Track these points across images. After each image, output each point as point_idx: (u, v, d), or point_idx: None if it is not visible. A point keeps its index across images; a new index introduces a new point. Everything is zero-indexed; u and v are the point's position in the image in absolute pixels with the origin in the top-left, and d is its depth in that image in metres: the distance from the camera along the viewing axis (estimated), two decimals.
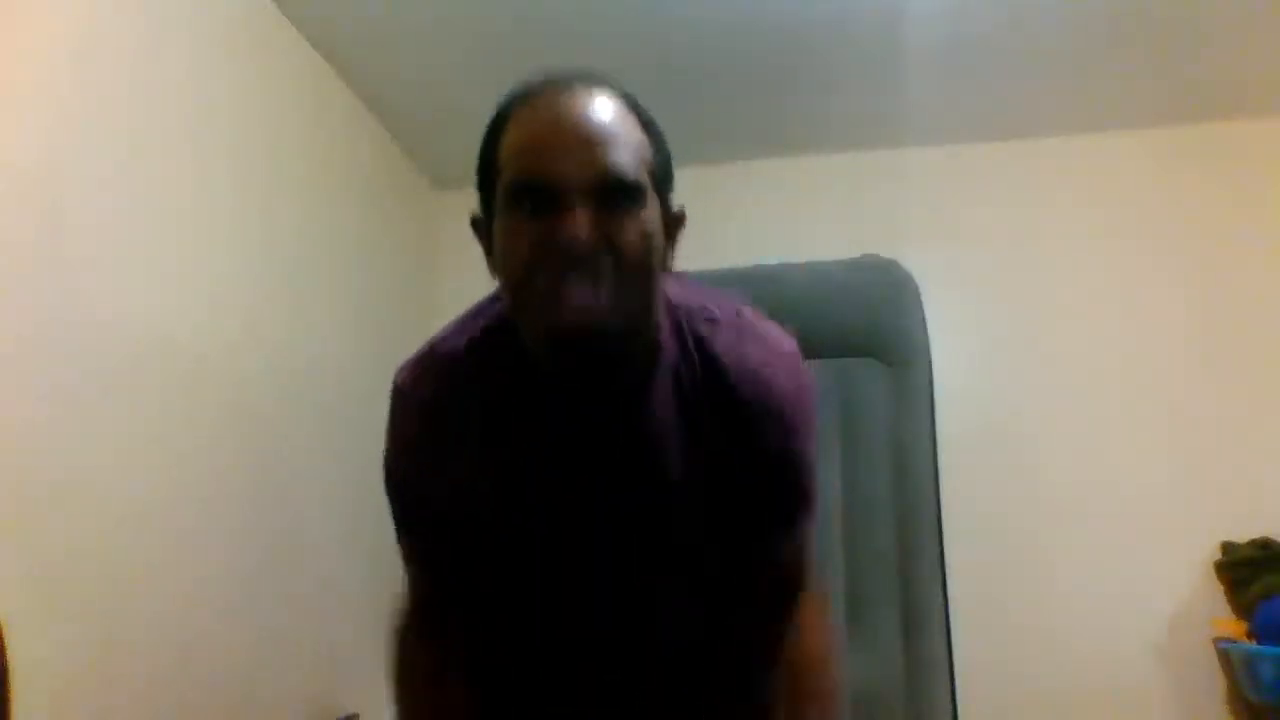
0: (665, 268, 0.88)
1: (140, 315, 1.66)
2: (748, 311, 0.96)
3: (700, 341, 0.91)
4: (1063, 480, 2.50)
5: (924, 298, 2.39)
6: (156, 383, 1.69)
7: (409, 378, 0.96)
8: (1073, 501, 2.48)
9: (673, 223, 0.91)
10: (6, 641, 1.12)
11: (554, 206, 0.80)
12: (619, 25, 2.24)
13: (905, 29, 2.23)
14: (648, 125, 0.88)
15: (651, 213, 0.84)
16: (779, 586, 0.98)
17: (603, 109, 0.84)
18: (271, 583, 2.02)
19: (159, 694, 1.64)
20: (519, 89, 0.88)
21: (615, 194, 0.81)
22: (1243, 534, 2.32)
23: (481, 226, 0.92)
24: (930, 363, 2.38)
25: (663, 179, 0.88)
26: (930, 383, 2.38)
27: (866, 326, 1.95)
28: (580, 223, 0.78)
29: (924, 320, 2.38)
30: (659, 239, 0.85)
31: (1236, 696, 2.25)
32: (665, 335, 0.90)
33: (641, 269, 0.82)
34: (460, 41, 2.31)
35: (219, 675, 1.81)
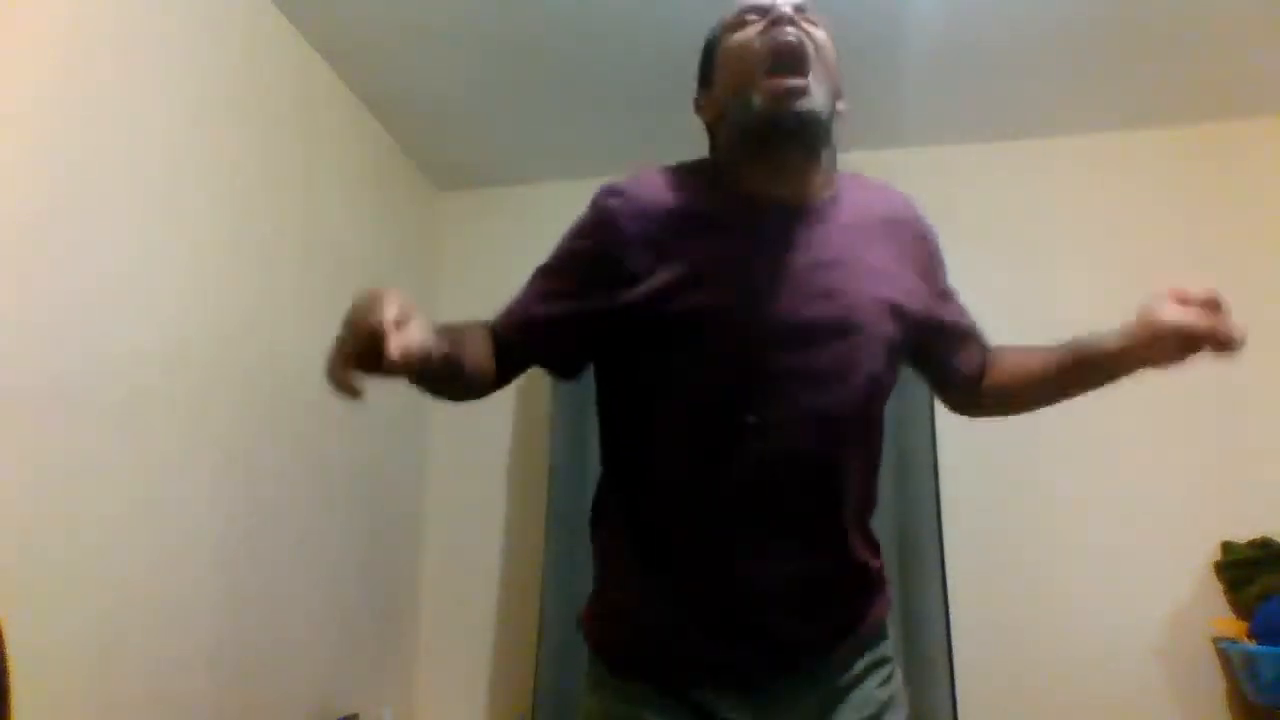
0: (839, 92, 1.12)
1: (140, 315, 1.66)
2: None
3: (864, 184, 1.20)
4: (1062, 480, 2.50)
5: None
6: (156, 382, 1.69)
7: (619, 178, 1.14)
8: (1072, 501, 2.48)
9: (839, 96, 1.13)
10: (6, 641, 1.12)
11: (769, 20, 1.08)
12: (619, 26, 2.24)
13: (905, 29, 2.23)
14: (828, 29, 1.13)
15: (832, 62, 1.10)
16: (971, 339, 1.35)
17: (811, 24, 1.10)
18: (271, 583, 2.02)
19: (159, 694, 1.64)
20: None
21: (806, 13, 1.10)
22: (1243, 534, 2.32)
23: (700, 103, 1.20)
24: None
25: (835, 63, 1.12)
26: None
27: None
28: (787, 7, 1.08)
29: None
30: (835, 55, 1.11)
31: (1236, 696, 2.25)
32: (847, 193, 1.15)
33: (830, 65, 1.09)
34: (461, 42, 2.31)
35: (219, 675, 1.81)
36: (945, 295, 1.27)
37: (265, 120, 2.10)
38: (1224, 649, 2.24)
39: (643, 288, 1.05)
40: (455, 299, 3.02)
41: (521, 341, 1.12)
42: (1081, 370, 1.25)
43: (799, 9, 1.09)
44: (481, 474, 2.87)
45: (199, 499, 1.79)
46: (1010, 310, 2.67)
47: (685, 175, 1.14)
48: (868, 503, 1.17)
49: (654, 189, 1.11)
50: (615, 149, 2.84)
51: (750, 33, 1.09)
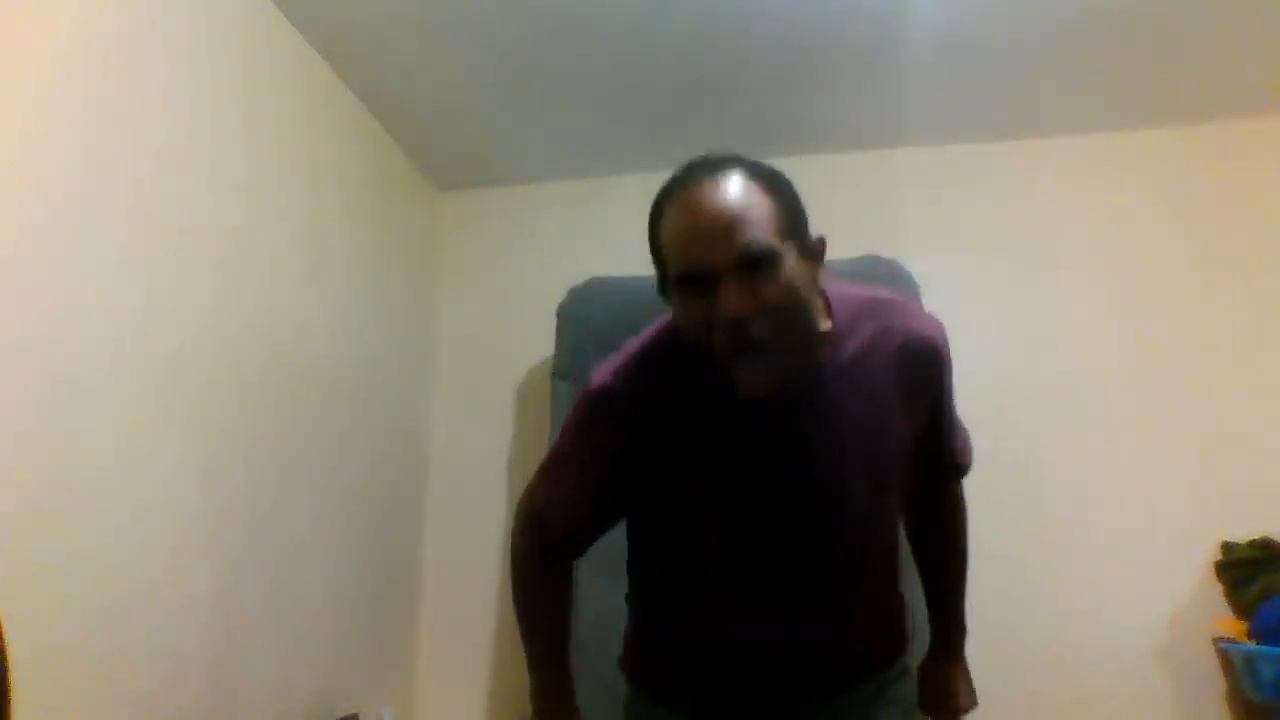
0: (815, 292, 1.09)
1: (140, 315, 1.66)
2: (895, 294, 1.29)
3: (875, 318, 1.17)
4: (1062, 480, 2.50)
5: (924, 298, 2.40)
6: (156, 382, 1.69)
7: (608, 376, 1.17)
8: (1072, 501, 2.48)
9: (815, 253, 1.09)
10: (6, 641, 1.12)
11: (711, 284, 1.00)
12: (619, 28, 2.24)
13: (904, 29, 2.23)
14: (774, 188, 1.05)
15: (790, 262, 1.02)
16: (952, 470, 1.37)
17: (732, 192, 1.02)
18: (272, 583, 2.02)
19: (159, 694, 1.64)
20: (669, 182, 1.09)
21: (754, 265, 1.00)
22: (1243, 534, 2.32)
23: (662, 289, 1.12)
24: None
25: (794, 226, 1.06)
26: None
27: None
28: (730, 296, 0.99)
29: None
30: (803, 279, 1.04)
31: (1236, 696, 2.25)
32: (841, 323, 1.14)
33: (791, 314, 1.03)
34: (461, 42, 2.31)
35: (219, 675, 1.81)
36: (937, 416, 1.28)
37: (265, 120, 2.10)
38: (1224, 649, 2.24)
39: (658, 469, 1.15)
40: (455, 299, 3.02)
41: (588, 533, 1.30)
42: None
43: (749, 254, 0.99)
44: (482, 474, 2.87)
45: (200, 500, 1.79)
46: (1010, 310, 2.68)
47: (668, 358, 1.14)
48: (891, 570, 1.31)
49: (646, 379, 1.15)
50: (615, 149, 2.84)
51: (697, 321, 1.03)
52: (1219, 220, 2.58)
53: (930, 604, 1.45)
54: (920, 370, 1.19)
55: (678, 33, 2.26)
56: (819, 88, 2.51)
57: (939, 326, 1.23)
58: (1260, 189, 2.57)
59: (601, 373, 1.18)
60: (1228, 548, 2.33)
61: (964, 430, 1.37)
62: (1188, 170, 2.63)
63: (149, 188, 1.70)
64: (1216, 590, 2.33)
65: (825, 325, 1.13)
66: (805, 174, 3.26)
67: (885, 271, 2.42)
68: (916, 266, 2.45)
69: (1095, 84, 2.49)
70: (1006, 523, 2.50)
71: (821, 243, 1.11)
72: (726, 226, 1.00)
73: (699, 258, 1.01)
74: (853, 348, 1.14)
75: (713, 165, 1.05)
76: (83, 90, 1.56)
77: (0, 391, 1.36)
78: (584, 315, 2.53)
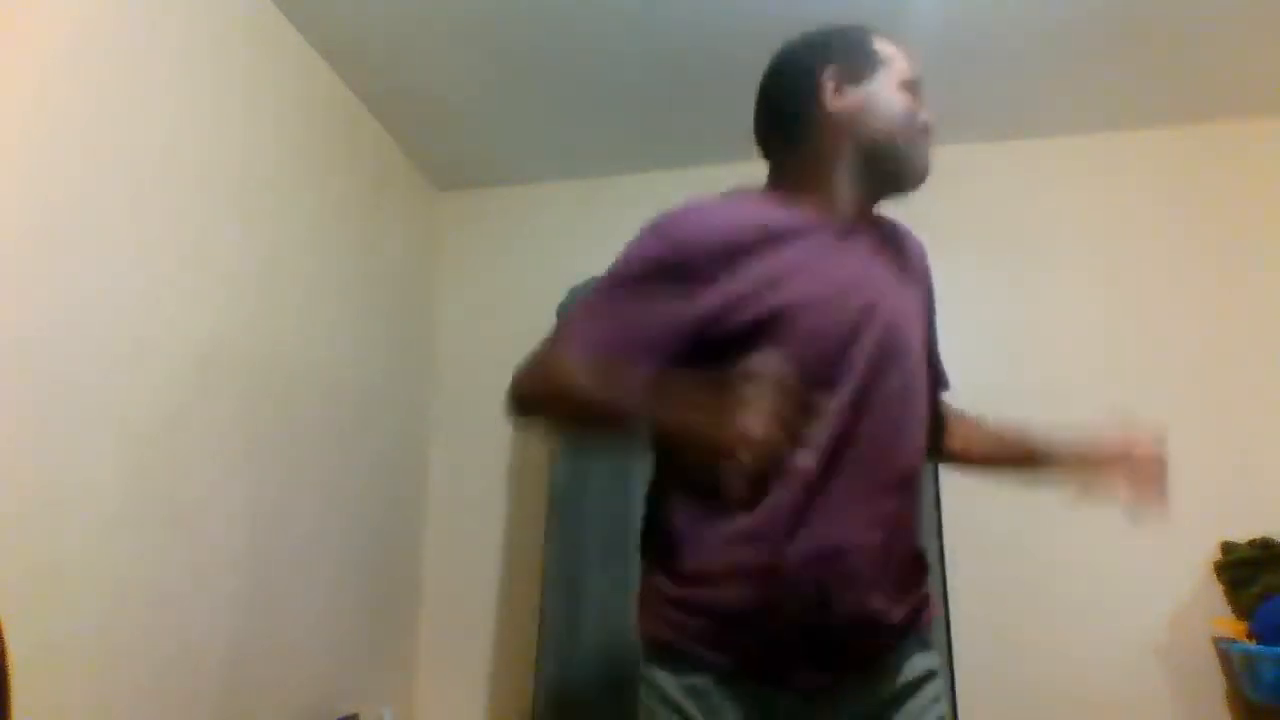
0: None
1: (140, 316, 1.66)
2: None
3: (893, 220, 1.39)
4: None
5: None
6: (156, 383, 1.69)
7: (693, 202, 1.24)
8: (1072, 501, 2.48)
9: None
10: (6, 640, 1.12)
11: (916, 93, 1.32)
12: (619, 27, 2.24)
13: (905, 29, 2.23)
14: None
15: None
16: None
17: None
18: (271, 583, 2.02)
19: (158, 693, 1.64)
20: (877, 33, 1.38)
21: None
22: (1243, 534, 2.32)
23: (840, 92, 1.28)
24: None
25: None
26: None
27: None
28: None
29: None
30: None
31: (1236, 696, 2.25)
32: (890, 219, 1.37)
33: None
34: (461, 42, 2.31)
35: (219, 675, 1.81)
36: (934, 338, 1.41)
37: (265, 120, 2.10)
38: (1224, 649, 2.24)
39: (727, 292, 1.13)
40: (455, 299, 3.02)
41: (643, 359, 1.14)
42: (1027, 465, 1.42)
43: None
44: (482, 474, 2.87)
45: (199, 500, 1.79)
46: (1010, 310, 2.68)
47: (745, 198, 1.27)
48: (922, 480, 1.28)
49: (720, 209, 1.21)
50: (615, 149, 2.84)
51: (919, 108, 1.31)
52: (1219, 220, 2.58)
53: (1008, 449, 1.43)
54: (924, 271, 1.38)
55: (678, 33, 2.26)
56: None
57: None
58: (1260, 189, 2.57)
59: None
60: (1228, 548, 2.33)
61: None
62: (1188, 170, 2.63)
63: (148, 188, 1.70)
64: (1216, 590, 2.33)
65: None
66: None
67: None
68: None
69: (1095, 84, 2.49)
70: (1006, 522, 2.50)
71: None
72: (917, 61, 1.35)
73: (921, 74, 1.33)
74: (890, 239, 1.33)
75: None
76: (82, 90, 1.56)
77: (0, 392, 1.36)
78: None
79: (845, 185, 1.25)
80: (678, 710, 1.11)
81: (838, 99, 1.26)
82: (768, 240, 1.16)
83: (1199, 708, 2.30)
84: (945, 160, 2.84)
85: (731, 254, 1.14)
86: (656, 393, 1.10)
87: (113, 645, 1.54)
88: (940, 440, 1.39)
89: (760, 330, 1.11)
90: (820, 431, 1.10)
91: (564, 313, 2.58)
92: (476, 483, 2.87)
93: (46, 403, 1.44)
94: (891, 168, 1.26)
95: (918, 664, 1.18)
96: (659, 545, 1.20)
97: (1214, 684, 2.30)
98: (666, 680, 1.13)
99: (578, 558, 2.45)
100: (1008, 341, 2.63)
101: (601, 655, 2.36)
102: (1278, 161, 2.58)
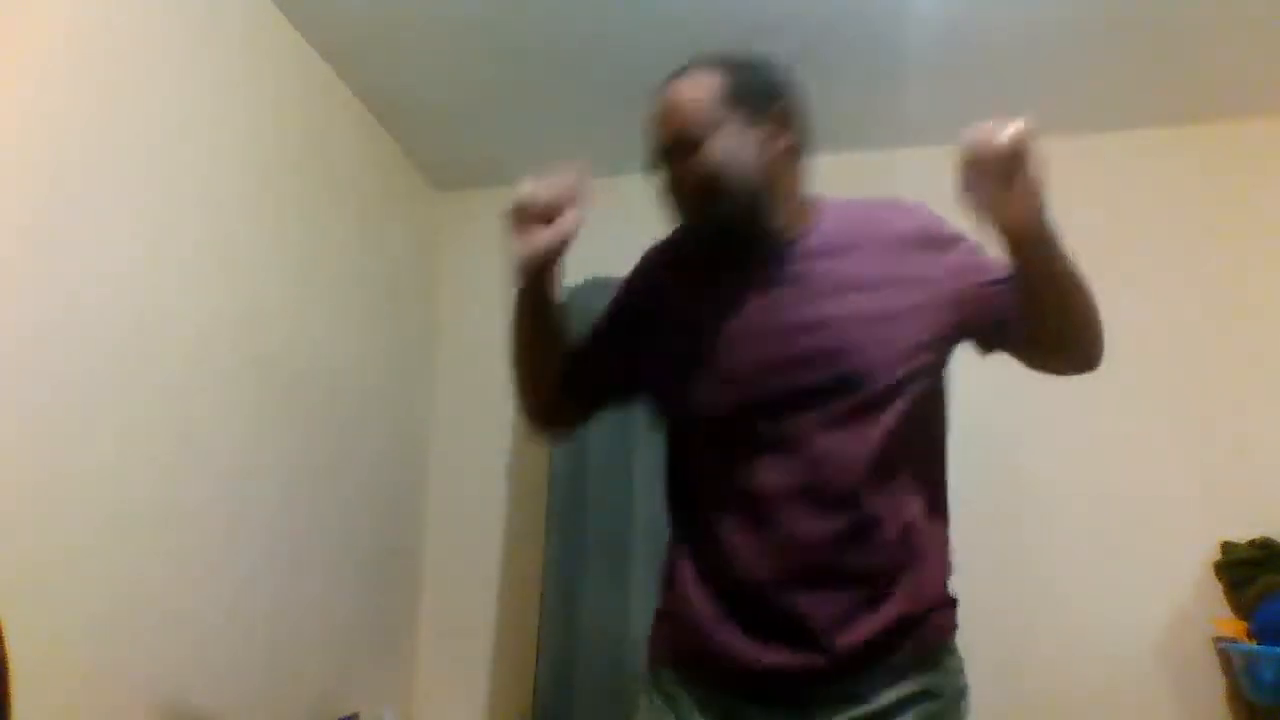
0: (769, 168, 1.20)
1: (140, 315, 1.66)
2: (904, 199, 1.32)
3: (870, 216, 1.27)
4: (1062, 479, 2.50)
5: None
6: (155, 382, 1.69)
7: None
8: (1072, 500, 2.48)
9: (768, 124, 1.20)
10: (6, 640, 1.12)
11: (664, 161, 1.23)
12: (618, 27, 2.24)
13: (905, 29, 2.23)
14: (730, 66, 1.21)
15: (723, 139, 1.17)
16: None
17: (681, 85, 1.21)
18: (272, 583, 2.02)
19: (159, 694, 1.64)
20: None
21: (680, 147, 1.19)
22: (1243, 534, 2.32)
23: None
24: None
25: (744, 97, 1.19)
26: None
27: None
28: (671, 172, 1.22)
29: None
30: (738, 154, 1.18)
31: (1236, 696, 2.24)
32: (829, 214, 1.25)
33: (716, 184, 1.17)
34: (460, 42, 2.31)
35: (219, 675, 1.81)
36: (965, 279, 1.24)
37: (264, 120, 2.10)
38: (1224, 649, 2.24)
39: (654, 334, 1.28)
40: (455, 299, 3.02)
41: (588, 349, 1.35)
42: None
43: (679, 139, 1.19)
44: (482, 474, 2.87)
45: (199, 500, 1.79)
46: None
47: (678, 236, 1.31)
48: (903, 466, 1.18)
49: (663, 248, 1.34)
50: (615, 149, 2.83)
51: (659, 180, 1.24)
52: (1219, 220, 2.58)
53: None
54: (916, 257, 1.22)
55: (677, 35, 2.26)
56: (819, 88, 2.47)
57: (921, 209, 1.29)
58: (1260, 189, 2.57)
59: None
60: (1228, 548, 2.33)
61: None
62: (1188, 170, 2.63)
63: (148, 188, 1.70)
64: (1216, 590, 2.33)
65: (793, 203, 1.23)
66: (805, 174, 3.23)
67: None
68: None
69: (1095, 84, 2.49)
70: (1006, 522, 2.50)
71: (783, 117, 1.22)
72: (666, 116, 1.21)
73: (652, 143, 1.24)
74: (833, 237, 1.22)
75: (690, 63, 1.23)
76: (81, 90, 1.56)
77: (0, 391, 1.36)
78: (584, 315, 2.52)
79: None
80: None
81: None
82: (684, 282, 1.32)
83: (1199, 708, 2.30)
84: (945, 160, 2.85)
85: (662, 297, 1.34)
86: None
87: (113, 647, 1.54)
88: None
89: (678, 371, 1.29)
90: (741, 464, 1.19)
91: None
92: (476, 483, 2.87)
93: (47, 402, 1.44)
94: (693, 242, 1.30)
95: (891, 692, 1.13)
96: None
97: (1214, 684, 2.30)
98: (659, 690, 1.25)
99: (577, 558, 2.45)
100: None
101: (601, 655, 2.36)
102: (1278, 161, 2.58)
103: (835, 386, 1.15)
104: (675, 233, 1.31)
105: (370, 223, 2.61)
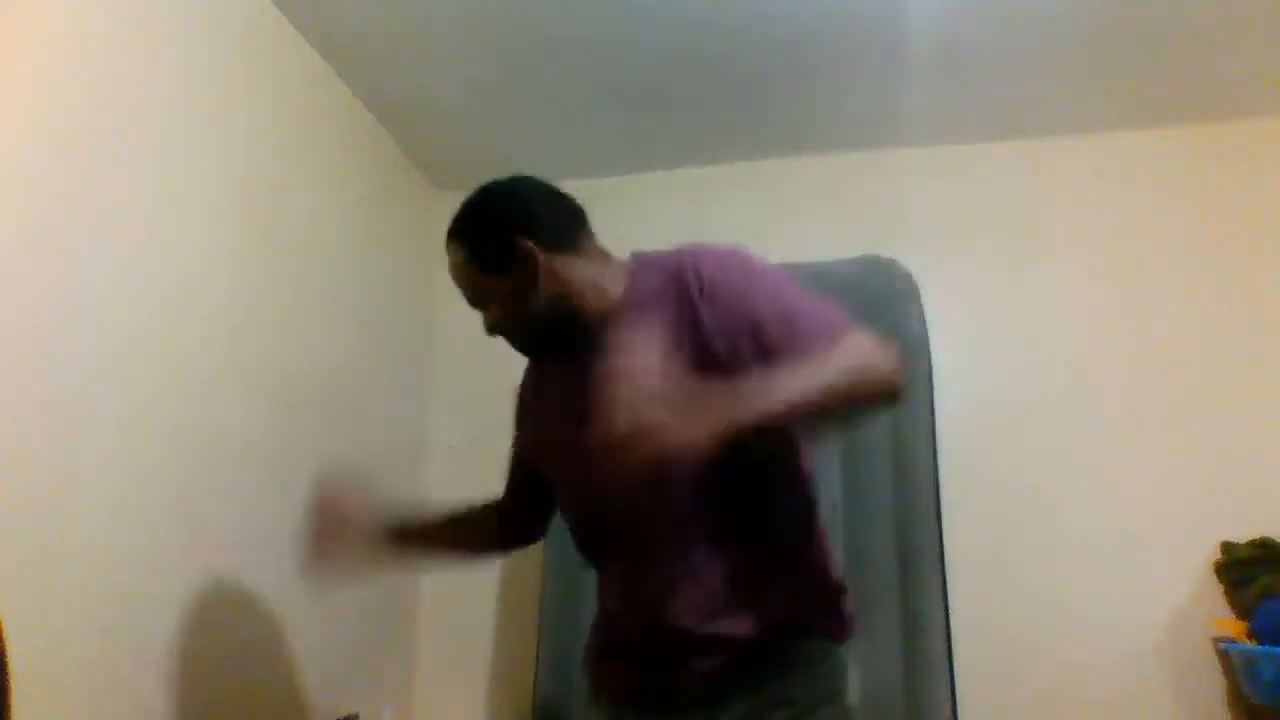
0: (544, 289, 1.30)
1: (139, 314, 1.66)
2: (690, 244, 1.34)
3: (663, 267, 1.29)
4: (1062, 479, 2.50)
5: (924, 297, 2.40)
6: (155, 381, 1.69)
7: None
8: (1072, 500, 2.48)
9: (521, 266, 1.29)
10: (6, 639, 1.12)
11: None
12: (617, 27, 2.24)
13: (905, 29, 2.23)
14: (465, 239, 1.35)
15: (501, 288, 1.33)
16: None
17: (449, 258, 1.38)
18: (271, 583, 2.02)
19: (158, 693, 1.64)
20: None
21: (478, 304, 1.41)
22: (1243, 534, 2.32)
23: None
24: (930, 362, 2.39)
25: (491, 258, 1.32)
26: (930, 382, 2.38)
27: (866, 326, 1.96)
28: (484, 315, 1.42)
29: (923, 319, 2.38)
30: (518, 294, 1.31)
31: (1236, 696, 2.25)
32: (639, 280, 1.30)
33: (514, 319, 1.36)
34: (460, 43, 2.31)
35: (218, 675, 1.81)
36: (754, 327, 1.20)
37: (264, 120, 2.10)
38: (1224, 649, 2.24)
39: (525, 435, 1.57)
40: (454, 299, 3.01)
41: (513, 476, 1.67)
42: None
43: (471, 301, 1.39)
44: (481, 474, 2.86)
45: (199, 500, 1.79)
46: (1009, 309, 2.68)
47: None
48: (720, 526, 1.25)
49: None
50: (615, 149, 2.84)
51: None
52: (1219, 220, 2.58)
53: None
54: (678, 296, 1.22)
55: (676, 35, 2.26)
56: (820, 88, 2.51)
57: (696, 249, 1.28)
58: (1260, 189, 2.57)
59: None
60: (1228, 548, 2.33)
61: (811, 319, 1.21)
62: (1188, 170, 2.63)
63: (148, 188, 1.70)
64: (1216, 590, 2.33)
65: (591, 287, 1.31)
66: (805, 174, 3.29)
67: (885, 271, 2.42)
68: (916, 266, 2.45)
69: (1094, 84, 2.49)
70: (1006, 523, 2.50)
71: (528, 252, 1.28)
72: (454, 277, 1.39)
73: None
74: (634, 299, 1.28)
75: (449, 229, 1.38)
76: (81, 90, 1.56)
77: (1, 391, 1.36)
78: None
79: None
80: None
81: None
82: (533, 382, 1.60)
83: (1199, 708, 2.30)
84: (945, 160, 2.86)
85: (522, 400, 1.65)
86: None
87: (113, 645, 1.54)
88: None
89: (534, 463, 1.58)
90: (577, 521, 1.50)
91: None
92: (476, 483, 2.86)
93: (47, 401, 1.44)
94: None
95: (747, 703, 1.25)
96: None
97: (1214, 684, 2.30)
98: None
99: (576, 560, 2.45)
100: (1006, 341, 2.63)
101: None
102: (1278, 161, 2.58)
103: None
104: None
105: (369, 222, 2.61)
